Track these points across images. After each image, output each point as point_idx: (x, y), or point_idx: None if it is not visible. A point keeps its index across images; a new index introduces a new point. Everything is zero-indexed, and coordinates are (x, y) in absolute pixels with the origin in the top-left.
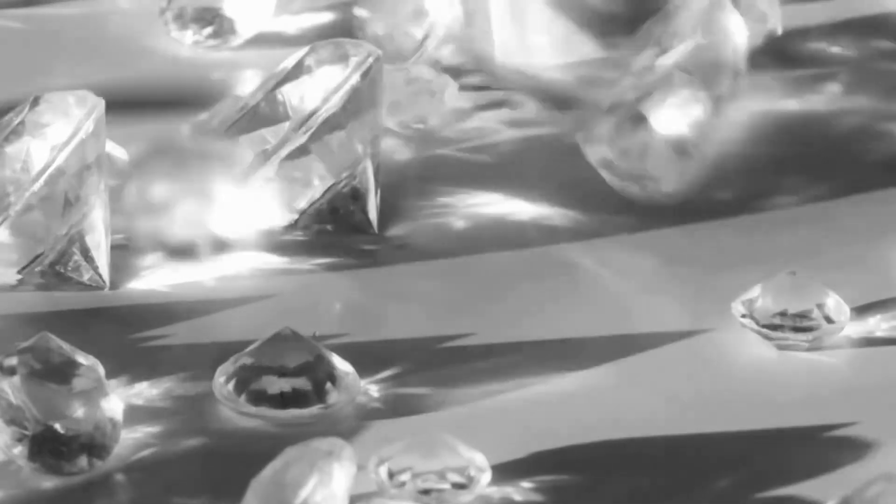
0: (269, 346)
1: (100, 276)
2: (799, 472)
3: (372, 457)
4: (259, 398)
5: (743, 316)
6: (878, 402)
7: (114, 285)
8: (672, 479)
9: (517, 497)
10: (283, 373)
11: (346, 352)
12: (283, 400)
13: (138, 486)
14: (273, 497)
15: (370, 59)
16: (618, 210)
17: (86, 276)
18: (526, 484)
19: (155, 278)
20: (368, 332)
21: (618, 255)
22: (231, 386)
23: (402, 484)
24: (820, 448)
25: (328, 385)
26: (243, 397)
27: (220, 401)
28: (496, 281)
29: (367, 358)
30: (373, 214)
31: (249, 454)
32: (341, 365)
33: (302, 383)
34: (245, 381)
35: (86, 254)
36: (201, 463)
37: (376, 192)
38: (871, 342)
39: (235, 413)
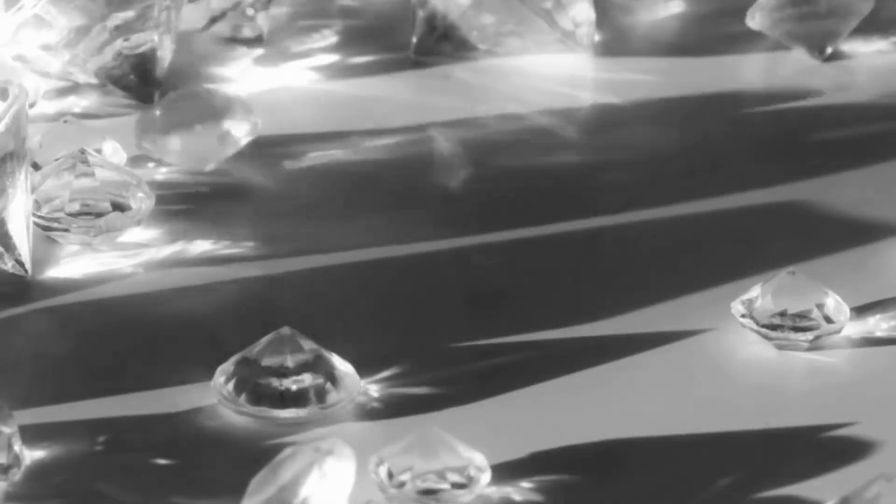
0: (269, 346)
1: (21, 264)
2: (799, 472)
3: (372, 457)
4: (259, 398)
5: (743, 316)
6: (877, 402)
7: (35, 273)
8: (672, 479)
9: (517, 497)
10: (283, 373)
11: (347, 351)
12: (283, 399)
13: (137, 486)
14: (272, 497)
15: None
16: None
17: (9, 265)
18: (526, 484)
19: (76, 266)
20: (369, 330)
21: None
22: (231, 385)
23: (402, 484)
24: (820, 448)
25: (328, 385)
26: (243, 397)
27: (219, 400)
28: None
29: (368, 358)
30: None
31: (249, 454)
32: (341, 365)
33: (302, 383)
34: (245, 380)
35: (7, 242)
36: (201, 463)
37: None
38: (870, 342)
39: (235, 413)
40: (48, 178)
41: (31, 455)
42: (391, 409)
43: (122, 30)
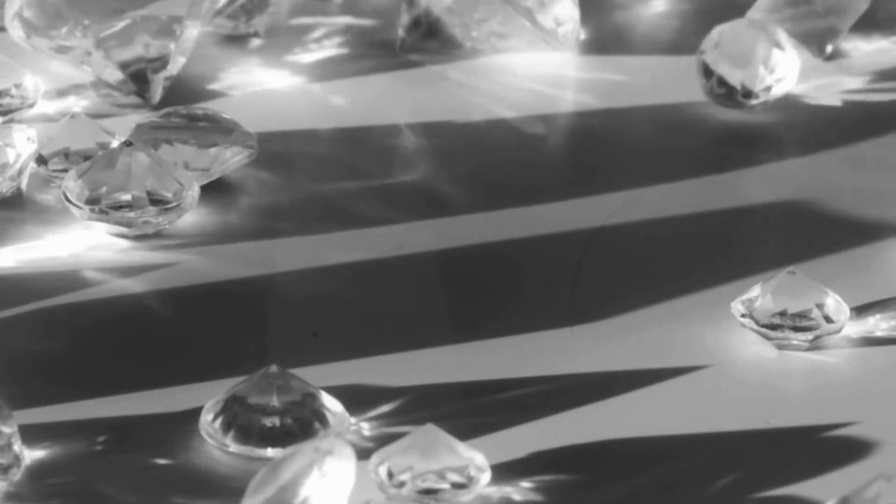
0: (256, 384)
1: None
2: (798, 472)
3: (372, 456)
4: (245, 436)
5: (743, 316)
6: (878, 402)
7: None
8: (672, 479)
9: (517, 497)
10: (269, 411)
11: (339, 390)
12: (268, 438)
13: (137, 486)
14: (272, 497)
15: None
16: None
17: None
18: (526, 484)
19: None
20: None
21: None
22: (217, 423)
23: (402, 484)
24: (819, 448)
25: (316, 424)
26: (230, 435)
27: (204, 437)
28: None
29: (361, 395)
30: None
31: (248, 455)
32: (330, 403)
33: (288, 422)
34: (231, 418)
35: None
36: (201, 463)
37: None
38: (870, 342)
39: (219, 450)
40: (95, 169)
41: (31, 455)
42: (381, 447)
43: (153, 23)
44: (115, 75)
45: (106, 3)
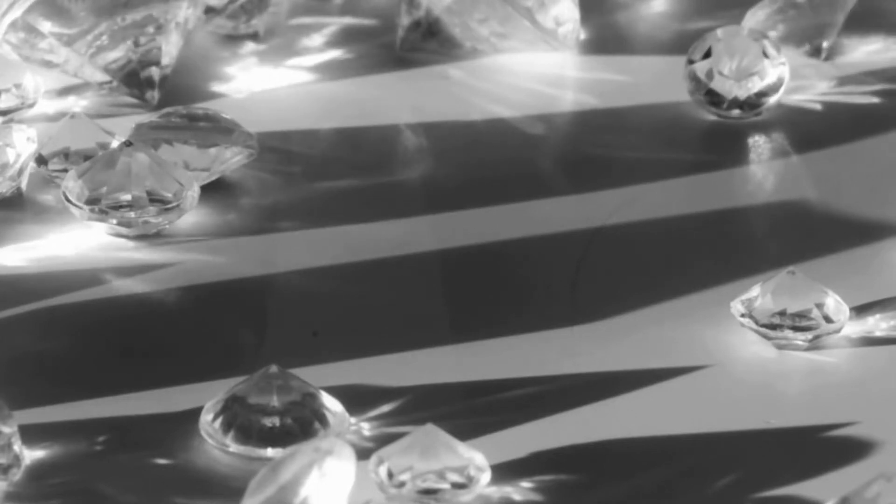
0: (256, 383)
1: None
2: (798, 472)
3: (372, 456)
4: (245, 436)
5: (742, 315)
6: (877, 402)
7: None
8: (672, 479)
9: (517, 497)
10: (269, 411)
11: (339, 390)
12: (268, 438)
13: (137, 486)
14: (272, 497)
15: None
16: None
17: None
18: (526, 484)
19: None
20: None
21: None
22: (217, 423)
23: (402, 484)
24: (819, 448)
25: (316, 424)
26: (230, 435)
27: (204, 437)
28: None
29: (361, 395)
30: None
31: (249, 454)
32: (330, 403)
33: (288, 422)
34: (231, 418)
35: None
36: (200, 463)
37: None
38: (870, 342)
39: (219, 450)
40: (95, 169)
41: (31, 455)
42: (381, 447)
43: (134, 28)
44: (107, 81)
45: (83, 11)
